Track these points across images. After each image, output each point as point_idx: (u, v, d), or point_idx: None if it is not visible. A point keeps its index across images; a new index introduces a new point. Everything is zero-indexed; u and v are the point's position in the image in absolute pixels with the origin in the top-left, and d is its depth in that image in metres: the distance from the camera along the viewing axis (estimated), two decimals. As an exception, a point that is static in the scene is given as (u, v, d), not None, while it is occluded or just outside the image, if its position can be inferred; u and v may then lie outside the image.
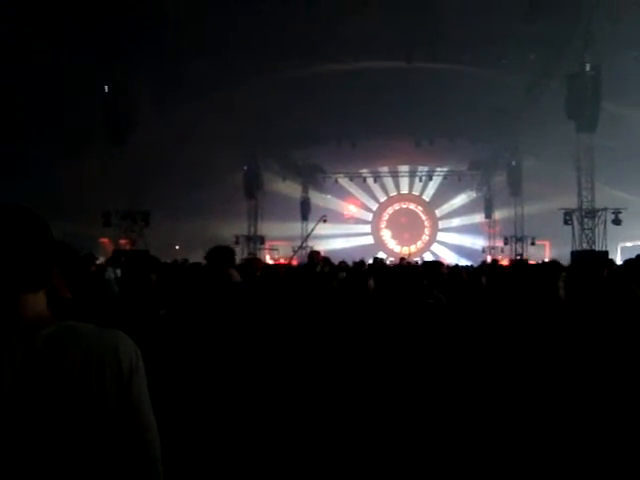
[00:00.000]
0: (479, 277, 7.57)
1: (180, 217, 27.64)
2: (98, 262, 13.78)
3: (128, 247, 20.81)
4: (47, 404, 1.47)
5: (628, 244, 31.98)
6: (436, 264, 7.64)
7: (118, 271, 9.26)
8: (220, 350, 3.96)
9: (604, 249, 19.77)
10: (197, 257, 13.07)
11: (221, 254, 4.67)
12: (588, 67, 18.54)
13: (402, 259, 15.58)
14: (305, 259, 15.17)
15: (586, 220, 20.51)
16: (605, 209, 20.42)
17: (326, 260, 9.48)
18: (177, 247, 29.04)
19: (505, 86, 22.50)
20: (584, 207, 20.57)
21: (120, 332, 1.64)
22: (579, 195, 20.70)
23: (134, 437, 1.60)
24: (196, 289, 4.97)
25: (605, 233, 20.20)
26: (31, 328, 1.51)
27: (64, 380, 1.49)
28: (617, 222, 20.52)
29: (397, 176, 42.00)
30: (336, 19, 19.00)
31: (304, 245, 28.03)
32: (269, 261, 30.42)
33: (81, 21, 17.23)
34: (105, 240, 25.78)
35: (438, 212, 44.42)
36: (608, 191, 23.80)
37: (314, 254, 9.69)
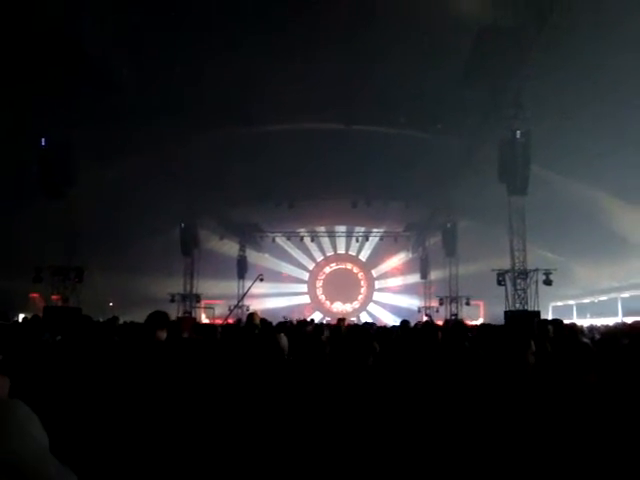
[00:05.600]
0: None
1: (115, 274, 26.98)
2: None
3: (60, 303, 20.09)
4: None
5: (559, 303, 32.87)
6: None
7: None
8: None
9: (536, 309, 20.14)
10: (131, 314, 12.75)
11: (155, 317, 5.22)
12: (519, 134, 19.24)
13: (340, 320, 15.35)
14: (242, 318, 14.95)
15: (518, 281, 20.91)
16: (536, 270, 20.87)
17: (262, 321, 9.23)
18: (111, 304, 28.27)
19: (440, 150, 23.11)
20: (516, 268, 20.99)
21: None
22: (512, 256, 21.13)
23: None
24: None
25: (537, 293, 20.60)
26: None
27: None
28: (548, 282, 20.97)
29: (334, 236, 42.37)
30: (276, 82, 19.29)
31: (240, 304, 27.72)
32: (205, 320, 29.92)
33: (19, 74, 16.98)
34: (35, 295, 24.88)
35: (374, 272, 44.84)
36: (539, 252, 24.50)
37: (253, 316, 9.51)
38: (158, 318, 5.17)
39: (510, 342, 3.63)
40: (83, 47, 16.63)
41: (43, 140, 19.07)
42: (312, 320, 15.36)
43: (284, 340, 7.86)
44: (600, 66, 16.61)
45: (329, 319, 30.79)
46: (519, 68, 17.77)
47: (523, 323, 15.78)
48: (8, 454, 1.61)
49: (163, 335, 5.05)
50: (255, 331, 8.10)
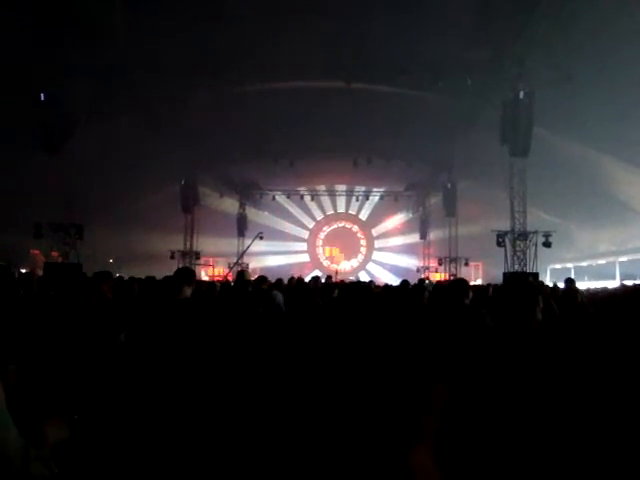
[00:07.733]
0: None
1: (115, 230, 26.99)
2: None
3: (60, 260, 20.16)
4: None
5: (557, 266, 32.99)
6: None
7: None
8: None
9: (535, 271, 20.22)
10: (132, 271, 12.78)
11: (182, 273, 5.51)
12: (522, 94, 19.06)
13: (329, 277, 15.46)
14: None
15: (518, 242, 20.95)
16: (536, 232, 20.89)
17: (262, 278, 9.20)
18: (111, 260, 28.35)
19: (443, 109, 22.92)
20: (516, 229, 21.02)
21: None
22: (512, 218, 21.15)
23: None
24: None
25: (536, 255, 20.66)
26: None
27: None
28: (547, 245, 21.00)
29: (334, 195, 42.27)
30: (276, 38, 19.01)
31: (240, 261, 27.86)
32: (204, 277, 30.10)
33: (18, 28, 16.71)
34: (36, 252, 24.97)
35: (374, 232, 44.86)
36: (539, 214, 24.50)
37: (244, 273, 9.56)
38: (186, 274, 5.41)
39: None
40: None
41: (42, 95, 18.83)
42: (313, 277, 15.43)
43: (279, 297, 7.97)
44: (604, 28, 16.37)
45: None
46: (524, 28, 17.52)
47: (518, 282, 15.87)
48: None
49: (189, 291, 5.25)
50: (248, 288, 8.15)
